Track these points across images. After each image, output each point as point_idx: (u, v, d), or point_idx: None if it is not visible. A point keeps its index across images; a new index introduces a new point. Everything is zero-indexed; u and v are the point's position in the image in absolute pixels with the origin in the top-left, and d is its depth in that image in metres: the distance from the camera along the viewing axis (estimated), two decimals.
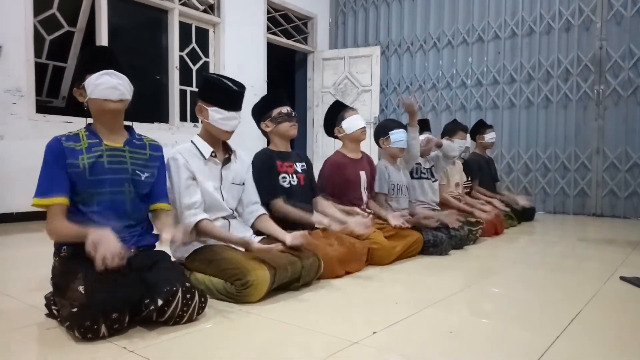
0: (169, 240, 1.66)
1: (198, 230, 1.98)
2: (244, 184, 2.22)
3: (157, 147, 1.89)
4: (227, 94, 2.04)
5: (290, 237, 2.09)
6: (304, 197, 2.54)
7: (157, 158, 1.87)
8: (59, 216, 1.63)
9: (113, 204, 1.70)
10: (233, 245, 2.05)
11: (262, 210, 2.27)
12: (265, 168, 2.43)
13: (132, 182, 1.75)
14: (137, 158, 1.78)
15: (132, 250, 1.64)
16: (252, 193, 2.27)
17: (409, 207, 3.28)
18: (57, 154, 1.65)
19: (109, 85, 1.67)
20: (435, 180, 3.66)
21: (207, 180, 2.06)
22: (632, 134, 5.19)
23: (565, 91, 5.55)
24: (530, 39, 5.78)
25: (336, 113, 2.94)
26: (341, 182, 2.85)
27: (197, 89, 5.58)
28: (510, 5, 5.90)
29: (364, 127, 2.92)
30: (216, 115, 2.03)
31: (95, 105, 1.71)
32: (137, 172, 1.77)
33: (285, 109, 2.48)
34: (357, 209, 2.74)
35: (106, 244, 1.46)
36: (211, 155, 2.08)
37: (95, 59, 1.71)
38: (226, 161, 2.14)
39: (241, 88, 2.09)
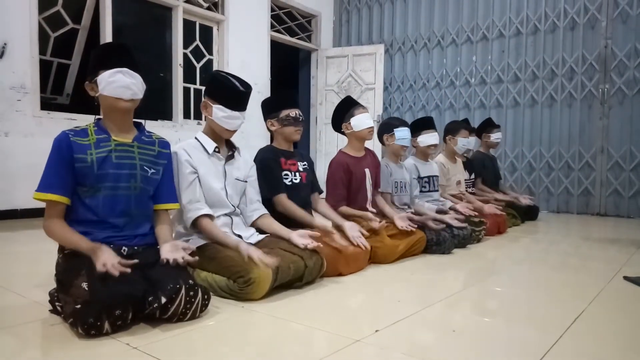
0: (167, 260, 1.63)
1: (198, 226, 1.98)
2: (246, 181, 2.22)
3: (165, 144, 1.89)
4: (233, 93, 2.04)
5: (297, 236, 2.08)
6: (305, 196, 2.57)
7: (165, 156, 1.87)
8: (54, 216, 1.64)
9: (118, 198, 1.71)
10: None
11: (264, 210, 2.27)
12: (270, 162, 2.43)
13: (140, 178, 1.75)
14: (146, 154, 1.79)
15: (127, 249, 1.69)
16: (254, 192, 2.27)
17: (409, 203, 3.28)
18: (63, 149, 1.65)
19: (122, 84, 1.67)
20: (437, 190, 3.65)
21: (210, 175, 2.06)
22: (637, 134, 5.16)
23: (569, 90, 5.52)
24: (535, 37, 5.75)
25: (346, 109, 2.90)
26: (348, 181, 2.84)
27: (201, 87, 5.60)
28: (515, 3, 5.86)
29: (372, 127, 2.90)
30: (220, 113, 2.03)
31: (105, 102, 1.72)
32: (145, 167, 1.77)
33: (293, 113, 2.46)
34: (369, 214, 2.74)
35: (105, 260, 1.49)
36: (214, 150, 2.09)
37: (110, 56, 1.70)
38: (229, 157, 2.15)
39: (247, 88, 2.08)
